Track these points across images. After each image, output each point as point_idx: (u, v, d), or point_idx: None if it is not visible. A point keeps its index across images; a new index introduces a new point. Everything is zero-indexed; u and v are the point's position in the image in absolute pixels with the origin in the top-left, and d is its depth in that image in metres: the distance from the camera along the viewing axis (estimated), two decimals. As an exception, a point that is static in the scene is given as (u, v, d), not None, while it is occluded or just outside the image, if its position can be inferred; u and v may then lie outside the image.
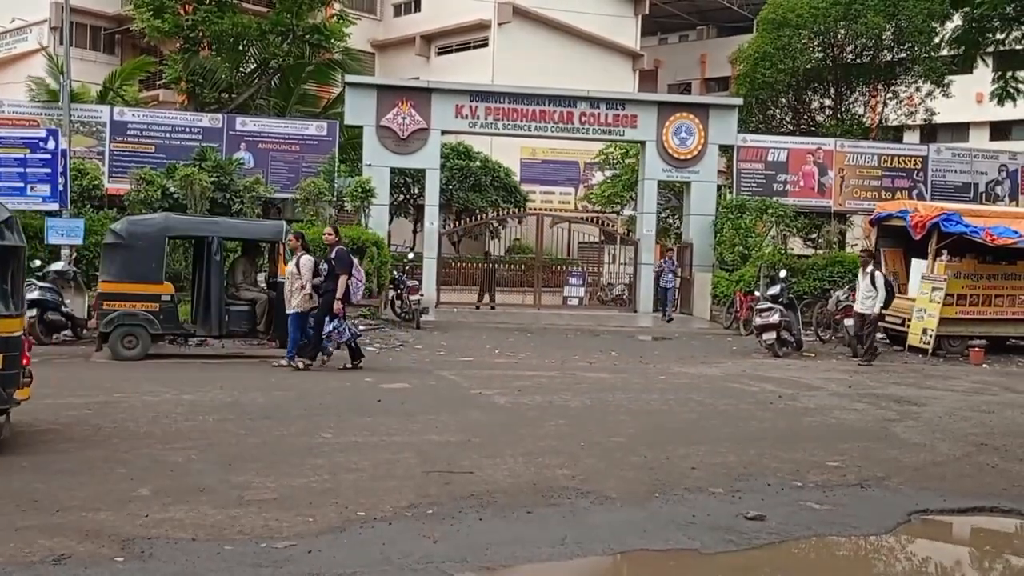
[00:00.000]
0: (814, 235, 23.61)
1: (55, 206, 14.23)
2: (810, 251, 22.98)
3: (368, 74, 28.13)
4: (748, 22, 38.30)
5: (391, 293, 17.11)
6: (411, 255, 20.43)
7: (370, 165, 19.06)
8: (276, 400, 8.53)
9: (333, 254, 10.68)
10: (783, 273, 15.08)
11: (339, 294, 10.49)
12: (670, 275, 19.04)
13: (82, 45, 30.59)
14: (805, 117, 25.46)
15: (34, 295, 12.05)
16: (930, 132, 32.14)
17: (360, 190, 17.76)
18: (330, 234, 10.87)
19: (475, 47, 32.99)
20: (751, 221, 19.30)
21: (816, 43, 24.02)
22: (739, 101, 21.56)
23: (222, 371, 10.38)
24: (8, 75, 29.85)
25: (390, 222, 22.11)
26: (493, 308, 20.12)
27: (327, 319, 10.56)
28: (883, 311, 13.66)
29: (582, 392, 9.69)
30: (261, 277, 12.79)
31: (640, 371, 11.71)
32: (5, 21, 31.12)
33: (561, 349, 13.97)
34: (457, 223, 23.40)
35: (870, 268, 13.27)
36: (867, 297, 13.20)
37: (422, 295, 16.73)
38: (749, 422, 8.31)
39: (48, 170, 14.05)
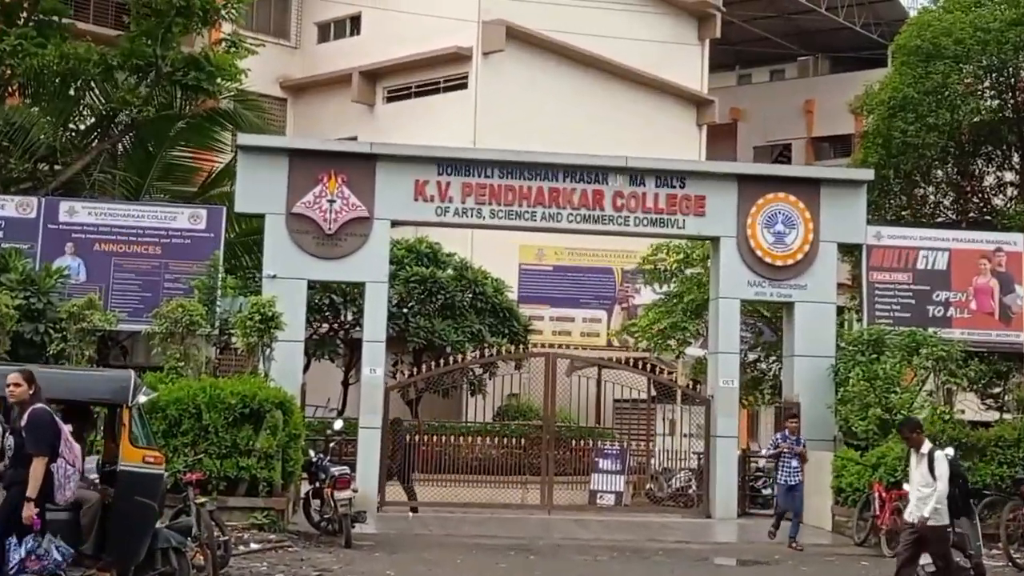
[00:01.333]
0: (996, 390, 23.70)
1: None
2: (992, 416, 23.01)
3: (275, 131, 28.84)
4: (878, 51, 39.74)
5: (305, 488, 16.97)
6: (339, 423, 20.38)
7: (275, 277, 19.40)
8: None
9: (24, 420, 9.93)
10: (949, 453, 15.01)
11: (31, 491, 9.66)
12: (793, 462, 17.77)
13: None
14: (975, 199, 26.03)
15: None
16: None
17: (258, 317, 17.94)
18: (18, 385, 9.99)
19: (447, 89, 33.97)
20: (894, 367, 19.45)
21: (987, 83, 24.82)
22: (869, 174, 22.21)
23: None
24: None
25: (306, 368, 22.13)
26: (414, 512, 20.24)
27: (12, 533, 9.65)
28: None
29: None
30: (91, 462, 12.72)
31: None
32: None
33: (586, 582, 13.77)
34: (415, 370, 23.49)
35: (926, 447, 12.39)
36: (923, 496, 12.19)
37: (356, 491, 16.60)
38: None
39: None
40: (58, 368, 15.05)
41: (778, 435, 18.53)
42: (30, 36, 22.14)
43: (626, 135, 32.76)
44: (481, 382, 25.86)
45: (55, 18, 23.46)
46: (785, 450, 17.62)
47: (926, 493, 12.10)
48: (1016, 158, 25.70)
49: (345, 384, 26.91)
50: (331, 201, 19.75)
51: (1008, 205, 25.46)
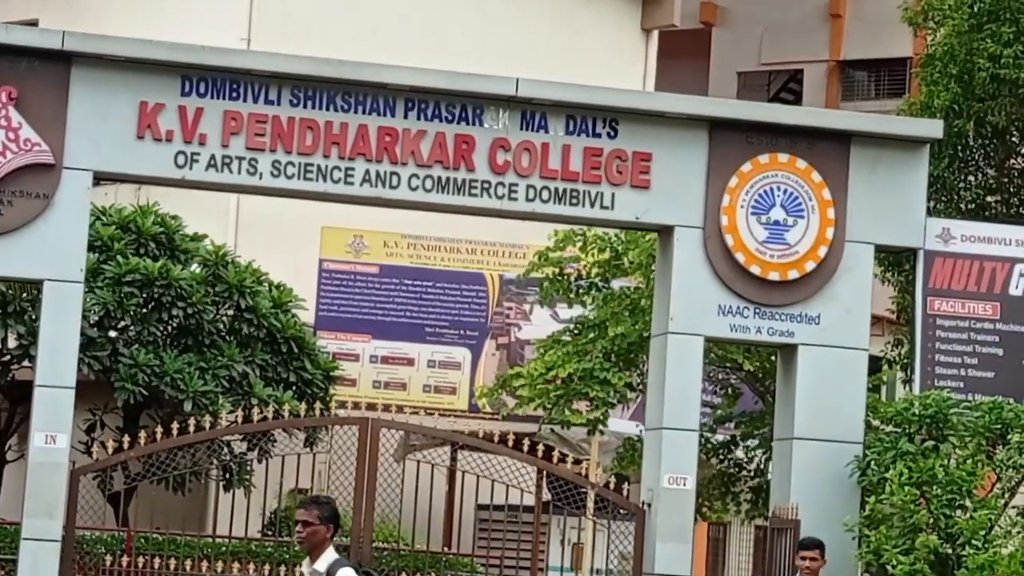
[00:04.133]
0: None
1: None
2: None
3: None
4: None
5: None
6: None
7: None
8: None
9: None
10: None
11: None
12: None
13: None
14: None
15: None
16: None
17: None
18: None
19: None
20: (964, 463, 19.77)
21: None
22: (935, 128, 22.51)
23: None
24: None
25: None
26: None
27: None
28: None
29: None
30: None
31: None
32: None
33: None
34: (127, 439, 23.10)
35: None
36: None
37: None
38: None
39: None
40: None
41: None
42: None
43: (519, 43, 32.97)
44: (245, 467, 25.81)
45: None
46: None
47: None
48: None
49: (-1, 462, 26.64)
50: (-16, 134, 19.58)
51: None
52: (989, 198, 25.69)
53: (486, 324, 34.25)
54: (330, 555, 11.91)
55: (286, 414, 22.77)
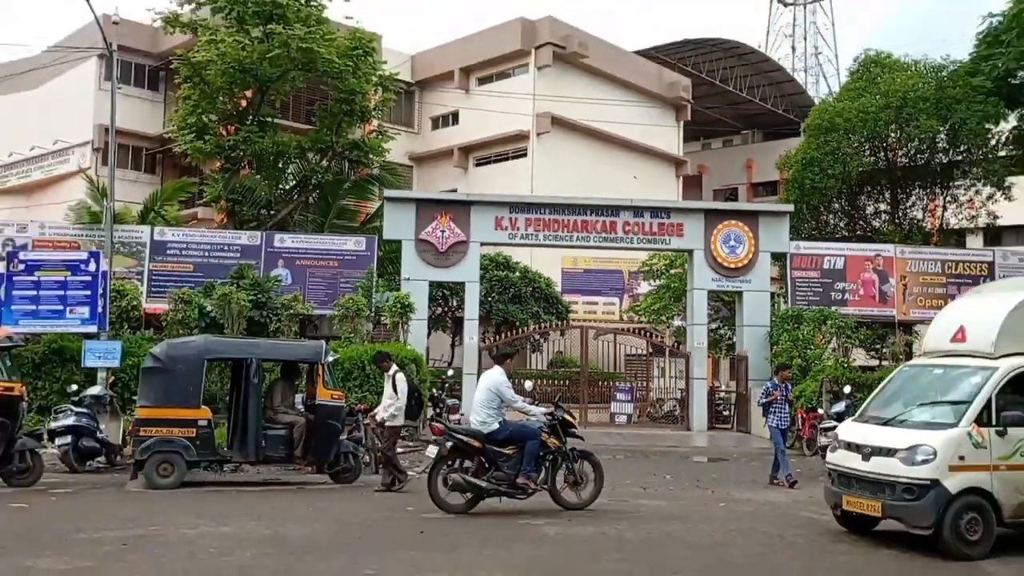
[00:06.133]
0: (878, 346, 23.30)
1: (94, 328, 14.79)
2: (875, 363, 22.62)
3: (406, 187, 29.06)
4: (794, 126, 39.13)
5: (430, 412, 17.14)
6: (451, 371, 20.46)
7: (408, 279, 19.50)
8: (315, 533, 8.54)
9: None
10: (847, 389, 14.83)
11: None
12: (783, 407, 13.04)
13: (123, 165, 30.99)
14: (860, 222, 25.55)
15: (69, 421, 12.34)
16: (995, 235, 31.94)
17: (399, 305, 18.11)
18: None
19: (513, 157, 33.97)
20: (809, 332, 19.20)
21: (867, 147, 24.35)
22: (789, 208, 21.84)
23: (259, 500, 10.42)
24: (48, 196, 31.30)
25: (428, 336, 22.35)
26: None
27: None
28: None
29: (637, 521, 9.53)
30: (299, 399, 12.97)
31: (698, 498, 11.50)
32: (47, 142, 32.48)
33: (611, 473, 13.75)
34: (497, 336, 23.47)
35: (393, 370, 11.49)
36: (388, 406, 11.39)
37: (462, 415, 16.72)
38: (823, 556, 8.07)
39: (88, 292, 14.70)
40: (279, 341, 15.36)
41: (769, 383, 13.34)
42: (254, 131, 22.65)
43: (629, 183, 32.73)
44: (538, 344, 25.96)
45: (269, 119, 23.88)
46: (779, 398, 13.00)
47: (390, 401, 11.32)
48: (887, 195, 25.22)
49: (452, 346, 27.09)
50: (443, 231, 19.82)
51: (882, 226, 24.98)
52: (813, 232, 24.85)
53: (624, 288, 33.89)
54: (394, 368, 11.58)
55: (553, 325, 22.79)
